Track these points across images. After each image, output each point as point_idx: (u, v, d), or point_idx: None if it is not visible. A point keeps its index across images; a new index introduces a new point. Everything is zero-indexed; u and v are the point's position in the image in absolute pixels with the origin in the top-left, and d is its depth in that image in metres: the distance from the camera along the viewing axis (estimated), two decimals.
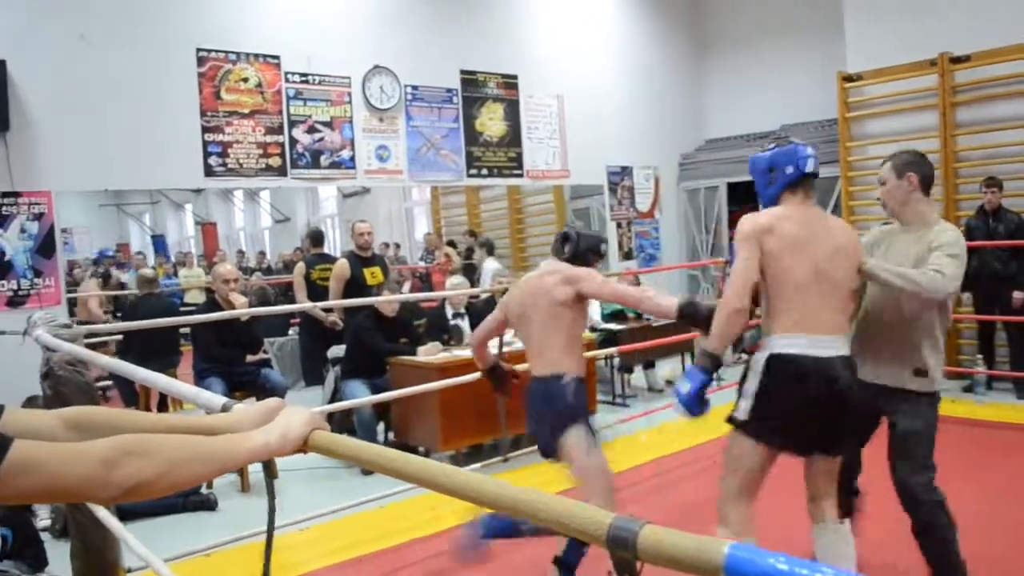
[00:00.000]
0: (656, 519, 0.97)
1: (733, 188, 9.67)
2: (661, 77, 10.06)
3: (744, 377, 2.97)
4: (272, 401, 1.50)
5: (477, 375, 5.14)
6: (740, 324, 2.91)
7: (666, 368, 8.24)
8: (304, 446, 1.41)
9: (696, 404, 2.97)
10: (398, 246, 11.43)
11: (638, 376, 8.03)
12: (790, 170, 3.00)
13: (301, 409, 1.44)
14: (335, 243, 10.88)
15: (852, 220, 8.42)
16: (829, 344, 2.87)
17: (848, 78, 8.56)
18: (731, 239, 3.25)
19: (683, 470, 5.47)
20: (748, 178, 9.27)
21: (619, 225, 9.44)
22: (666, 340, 7.12)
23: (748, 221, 2.96)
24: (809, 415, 2.84)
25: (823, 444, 2.98)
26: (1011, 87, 7.52)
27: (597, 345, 6.86)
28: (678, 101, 10.31)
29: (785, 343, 2.87)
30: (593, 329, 7.46)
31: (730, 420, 2.97)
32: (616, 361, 7.42)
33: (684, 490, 5.10)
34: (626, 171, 9.54)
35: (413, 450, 5.74)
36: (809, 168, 3.00)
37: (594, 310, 7.79)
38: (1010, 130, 7.49)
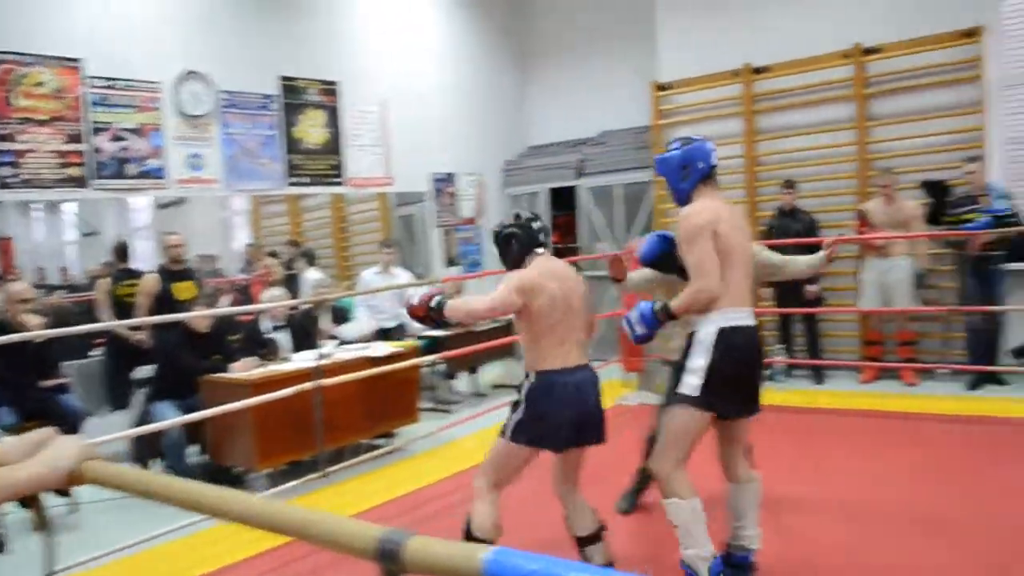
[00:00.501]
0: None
1: (556, 193, 9.88)
2: (485, 84, 10.17)
3: (687, 355, 3.23)
4: (41, 431, 1.40)
5: (293, 390, 5.02)
6: (707, 305, 3.17)
7: (491, 372, 8.31)
8: (75, 479, 1.31)
9: (641, 335, 3.37)
10: (215, 258, 10.96)
11: (463, 381, 8.05)
12: (702, 165, 3.31)
13: (72, 439, 1.36)
14: (150, 256, 10.31)
15: (663, 223, 8.79)
16: (751, 315, 3.29)
17: (660, 87, 8.94)
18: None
19: None
20: (571, 183, 9.49)
21: (444, 232, 9.46)
22: (491, 344, 7.20)
23: (698, 215, 3.21)
24: (749, 379, 3.27)
25: (752, 405, 3.34)
26: (804, 96, 8.10)
27: (421, 352, 6.83)
28: (502, 108, 10.45)
29: (730, 317, 3.19)
30: (419, 337, 7.43)
31: (680, 398, 3.20)
32: (440, 367, 7.39)
33: (510, 492, 5.12)
34: (450, 177, 9.57)
35: (228, 471, 5.52)
36: (715, 161, 3.36)
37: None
38: (803, 136, 8.05)
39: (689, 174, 3.31)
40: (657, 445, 3.35)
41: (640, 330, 3.36)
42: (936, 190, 7.11)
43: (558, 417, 3.26)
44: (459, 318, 3.47)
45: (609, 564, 3.42)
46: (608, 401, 7.06)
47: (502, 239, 3.54)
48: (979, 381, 6.78)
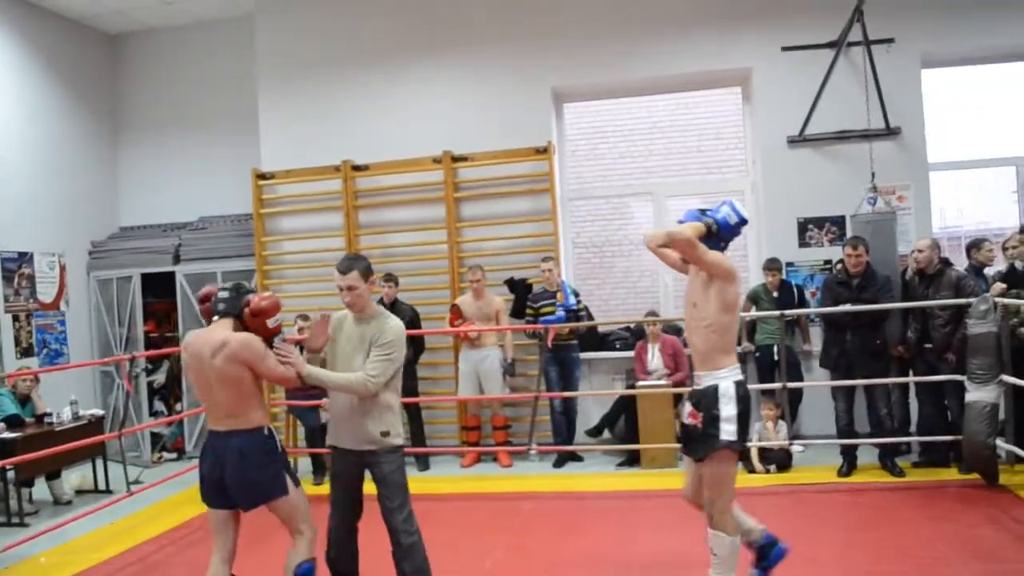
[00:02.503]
0: None
1: (148, 279, 9.28)
2: (69, 156, 9.33)
3: (713, 407, 3.68)
4: None
5: None
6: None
7: (74, 476, 7.48)
8: None
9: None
10: None
11: (40, 489, 7.15)
12: (724, 245, 3.87)
13: None
14: None
15: None
16: None
17: (262, 176, 8.91)
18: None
19: None
20: (166, 268, 8.98)
21: (16, 318, 8.40)
22: (72, 446, 6.47)
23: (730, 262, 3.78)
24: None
25: None
26: (401, 196, 8.60)
27: None
28: (89, 184, 9.65)
29: (737, 371, 3.76)
30: None
31: (726, 445, 3.66)
32: (11, 474, 6.48)
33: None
34: (25, 257, 8.57)
35: None
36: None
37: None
38: (402, 232, 8.52)
39: (716, 244, 3.80)
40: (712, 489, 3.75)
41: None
42: (518, 287, 7.92)
43: None
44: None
45: None
46: None
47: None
48: (563, 459, 7.55)
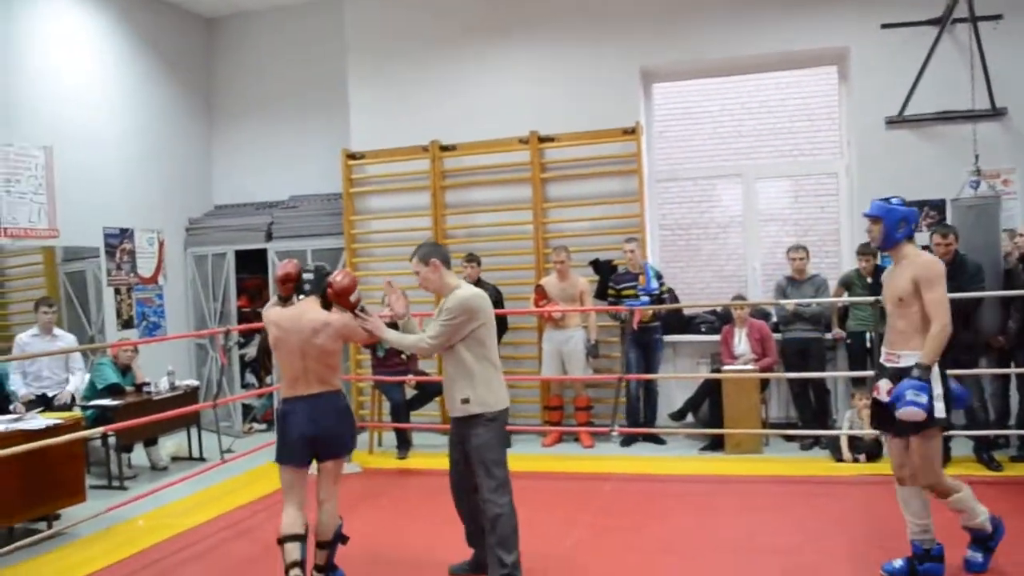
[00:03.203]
0: None
1: (242, 255, 9.56)
2: (168, 137, 9.65)
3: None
4: None
5: None
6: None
7: (170, 443, 7.77)
8: None
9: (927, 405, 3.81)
10: None
11: (139, 454, 7.46)
12: (913, 226, 4.09)
13: None
14: None
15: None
16: None
17: (352, 156, 9.06)
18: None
19: (186, 552, 5.16)
20: (258, 246, 9.09)
21: (118, 291, 8.76)
22: (169, 414, 6.74)
23: (940, 264, 3.99)
24: None
25: None
26: (488, 176, 8.62)
27: (87, 423, 6.23)
28: (186, 164, 9.97)
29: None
30: (84, 407, 6.80)
31: (937, 422, 3.86)
32: (113, 440, 6.78)
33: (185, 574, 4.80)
34: (126, 233, 8.92)
35: None
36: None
37: (75, 383, 7.11)
38: (487, 213, 8.55)
39: (904, 229, 4.05)
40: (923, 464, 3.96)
41: (924, 399, 3.81)
42: (603, 268, 7.87)
43: None
44: None
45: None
46: None
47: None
48: (631, 440, 7.53)
